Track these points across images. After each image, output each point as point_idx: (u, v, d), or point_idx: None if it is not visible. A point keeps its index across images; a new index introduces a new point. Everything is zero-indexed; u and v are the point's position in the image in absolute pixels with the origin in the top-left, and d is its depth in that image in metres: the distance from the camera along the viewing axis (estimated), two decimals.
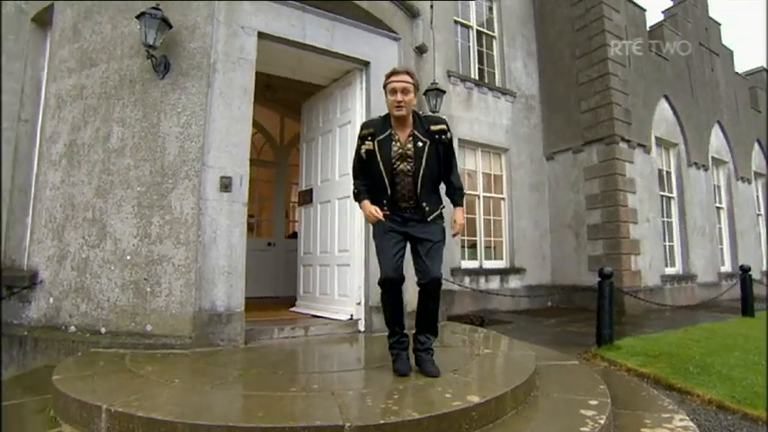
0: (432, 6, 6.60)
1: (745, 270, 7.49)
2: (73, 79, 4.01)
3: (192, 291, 3.34)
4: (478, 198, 8.90)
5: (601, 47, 9.22)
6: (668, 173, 10.63)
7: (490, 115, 9.22)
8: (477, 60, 9.64)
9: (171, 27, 3.57)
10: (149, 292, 3.38)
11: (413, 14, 4.92)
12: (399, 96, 2.65)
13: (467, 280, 8.06)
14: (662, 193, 10.18)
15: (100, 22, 3.93)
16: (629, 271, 8.55)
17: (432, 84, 6.63)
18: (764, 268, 12.58)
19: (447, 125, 2.83)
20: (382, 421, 1.91)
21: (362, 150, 2.77)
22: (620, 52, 9.27)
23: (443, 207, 2.90)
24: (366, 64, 4.52)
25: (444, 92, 6.77)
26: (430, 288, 2.70)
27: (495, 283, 8.55)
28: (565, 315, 7.90)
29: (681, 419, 2.72)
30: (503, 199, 9.25)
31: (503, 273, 8.78)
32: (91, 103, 3.82)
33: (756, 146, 13.48)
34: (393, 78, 2.71)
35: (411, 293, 2.97)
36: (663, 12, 12.03)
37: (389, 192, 2.74)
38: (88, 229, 3.62)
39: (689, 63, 11.37)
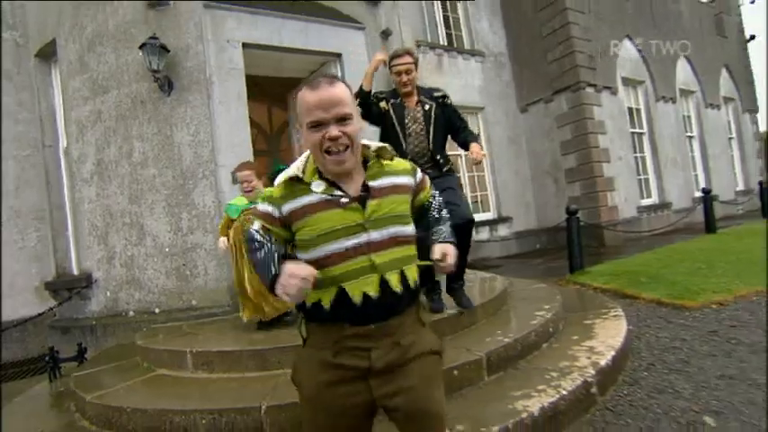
0: None
1: (706, 192, 8.34)
2: (89, 106, 4.70)
3: (224, 268, 4.15)
4: (461, 157, 9.65)
5: None
6: (637, 110, 11.34)
7: (462, 78, 9.84)
8: (443, 26, 10.17)
9: (169, 51, 4.24)
10: (189, 275, 4.21)
11: (374, 2, 5.53)
12: (404, 77, 2.95)
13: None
14: (632, 130, 10.92)
15: (104, 53, 4.58)
16: (605, 207, 9.40)
17: None
18: (739, 188, 13.48)
19: (446, 92, 3.19)
20: None
21: (375, 110, 3.00)
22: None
23: (475, 145, 3.08)
24: (338, 55, 5.19)
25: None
26: (464, 229, 2.89)
27: (485, 234, 9.42)
28: (550, 254, 8.80)
29: (615, 313, 3.60)
30: (483, 155, 9.96)
31: (491, 223, 9.64)
32: (110, 125, 4.53)
33: (724, 71, 14.11)
34: (396, 62, 2.95)
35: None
36: None
37: (405, 148, 3.01)
38: (128, 231, 4.41)
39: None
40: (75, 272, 5.00)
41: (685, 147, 12.13)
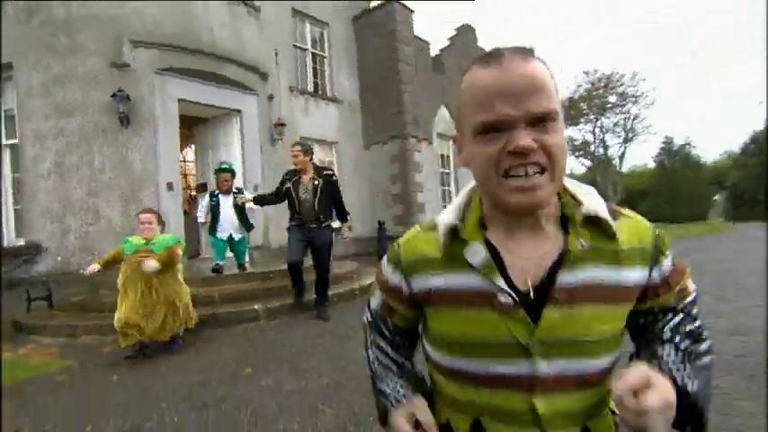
0: (276, 54, 10.12)
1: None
2: (51, 122, 6.69)
3: None
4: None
5: (396, 71, 13.81)
6: (447, 156, 16.05)
7: (323, 118, 13.20)
8: (312, 76, 13.42)
9: (130, 100, 6.60)
10: None
11: (264, 77, 8.52)
12: (294, 160, 4.73)
13: None
14: (442, 170, 15.53)
15: (71, 89, 6.68)
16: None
17: (278, 119, 10.09)
18: None
19: (333, 171, 4.88)
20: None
21: (284, 187, 4.76)
22: (409, 69, 14.00)
23: (333, 221, 4.72)
24: (239, 111, 8.03)
25: (285, 125, 10.18)
26: (319, 272, 4.90)
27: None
28: (383, 254, 12.52)
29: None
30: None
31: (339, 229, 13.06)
32: (73, 141, 6.63)
33: None
34: (291, 150, 4.76)
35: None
36: (448, 38, 17.30)
37: (298, 211, 4.66)
38: (85, 215, 6.56)
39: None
40: (24, 243, 6.77)
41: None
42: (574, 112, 31.53)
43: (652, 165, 45.47)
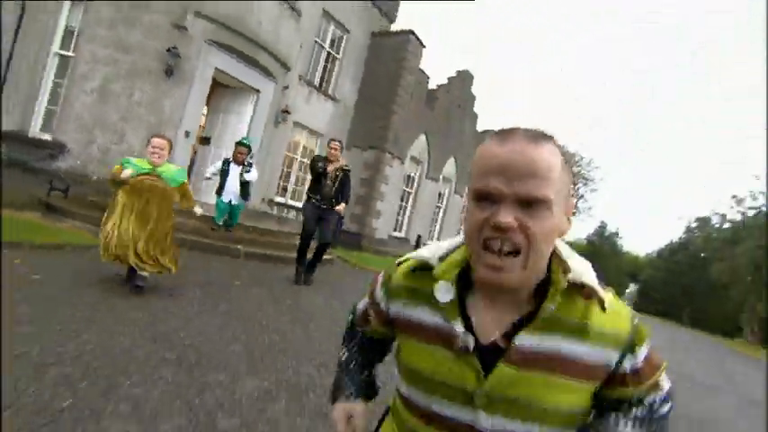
0: (300, 47, 11.79)
1: (419, 237, 15.13)
2: (109, 51, 8.08)
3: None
4: (296, 160, 14.53)
5: (395, 93, 15.73)
6: (413, 177, 18.14)
7: (319, 111, 14.91)
8: (321, 72, 15.08)
9: (180, 57, 8.10)
10: None
11: (287, 69, 10.20)
12: (332, 152, 5.99)
13: (284, 210, 13.75)
14: (405, 188, 17.59)
15: (134, 32, 8.08)
16: (370, 227, 15.50)
17: (285, 106, 11.74)
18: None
19: (350, 168, 6.09)
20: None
21: (318, 167, 5.83)
22: (405, 95, 15.97)
23: (342, 204, 6.06)
24: (258, 90, 9.66)
25: (290, 113, 11.92)
26: (323, 246, 6.06)
27: (293, 214, 14.42)
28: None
29: (329, 257, 9.00)
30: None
31: (299, 210, 14.73)
32: (121, 72, 8.05)
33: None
34: (331, 144, 5.98)
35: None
36: (448, 77, 19.45)
37: (319, 192, 5.88)
38: (112, 135, 7.99)
39: (449, 115, 19.11)
40: (47, 137, 8.06)
41: (432, 210, 19.58)
42: None
43: (584, 242, 50.50)
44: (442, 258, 0.79)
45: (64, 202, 7.09)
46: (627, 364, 0.72)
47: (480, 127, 22.73)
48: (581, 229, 46.71)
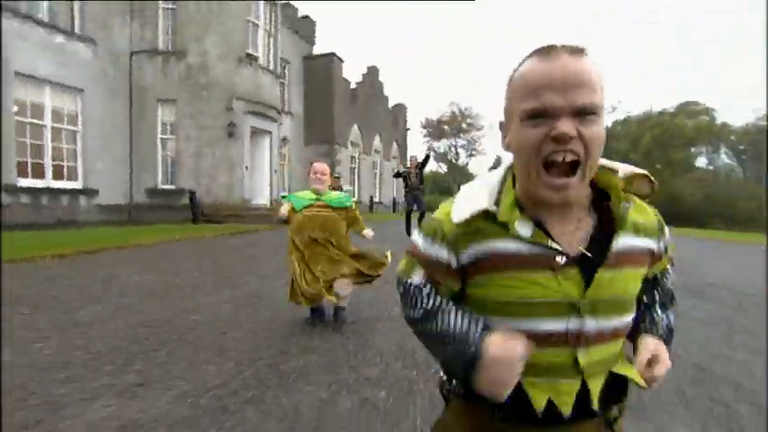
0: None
1: (371, 197, 22.65)
2: (194, 132, 14.42)
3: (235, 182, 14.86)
4: (283, 166, 21.14)
5: (331, 99, 22.72)
6: (354, 156, 25.46)
7: (286, 126, 21.53)
8: (280, 98, 21.55)
9: (235, 125, 14.62)
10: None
11: (279, 113, 16.95)
12: (410, 163, 11.21)
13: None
14: (351, 165, 24.90)
15: (204, 117, 14.46)
16: None
17: (284, 137, 18.35)
18: (393, 197, 29.60)
19: (421, 170, 11.15)
20: None
21: (402, 173, 11.13)
22: (338, 100, 22.96)
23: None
24: (270, 132, 16.43)
25: (288, 140, 18.60)
26: (420, 212, 10.99)
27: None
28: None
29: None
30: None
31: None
32: (203, 142, 14.50)
33: (395, 144, 30.32)
34: (410, 159, 11.35)
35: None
36: (361, 74, 26.58)
37: (408, 185, 11.02)
38: (208, 178, 14.47)
39: (368, 104, 26.40)
40: (172, 187, 14.31)
41: (372, 177, 27.16)
42: (439, 130, 44.09)
43: None
44: (497, 201, 0.79)
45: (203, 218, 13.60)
46: (662, 245, 0.85)
47: (390, 104, 30.36)
48: (483, 163, 56.55)
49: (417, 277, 0.87)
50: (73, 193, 13.16)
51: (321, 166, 3.74)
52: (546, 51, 0.74)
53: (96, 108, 13.65)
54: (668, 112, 39.23)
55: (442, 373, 0.93)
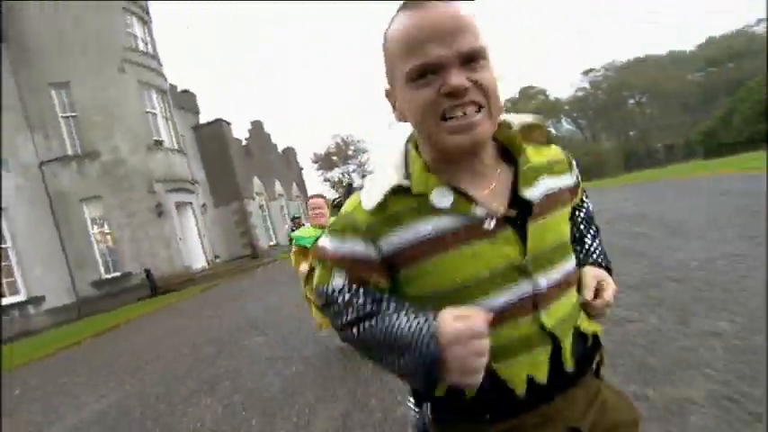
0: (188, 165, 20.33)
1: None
2: (127, 219, 15.95)
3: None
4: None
5: (230, 160, 24.85)
6: (263, 205, 27.75)
7: (197, 191, 23.16)
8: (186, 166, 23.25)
9: (161, 204, 16.47)
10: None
11: (195, 183, 19.00)
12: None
13: None
14: (262, 213, 27.12)
15: (133, 204, 16.09)
16: (257, 244, 24.82)
17: (203, 203, 20.22)
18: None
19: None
20: None
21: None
22: (235, 159, 25.18)
23: None
24: (191, 202, 18.38)
25: (207, 206, 20.47)
26: None
27: None
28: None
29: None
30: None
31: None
32: (136, 224, 16.11)
33: (294, 185, 33.07)
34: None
35: None
36: (248, 129, 29.02)
37: None
38: (151, 257, 16.13)
39: (262, 154, 28.91)
40: (120, 273, 15.71)
41: (282, 219, 29.61)
42: (329, 162, 48.16)
43: None
44: (407, 174, 0.73)
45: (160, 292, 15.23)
46: (575, 179, 0.85)
47: (280, 149, 33.20)
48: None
49: (338, 279, 0.76)
50: (21, 305, 14.01)
51: (317, 201, 3.88)
52: (413, 5, 0.68)
53: (20, 221, 14.84)
54: (512, 98, 49.71)
55: (410, 403, 0.82)
